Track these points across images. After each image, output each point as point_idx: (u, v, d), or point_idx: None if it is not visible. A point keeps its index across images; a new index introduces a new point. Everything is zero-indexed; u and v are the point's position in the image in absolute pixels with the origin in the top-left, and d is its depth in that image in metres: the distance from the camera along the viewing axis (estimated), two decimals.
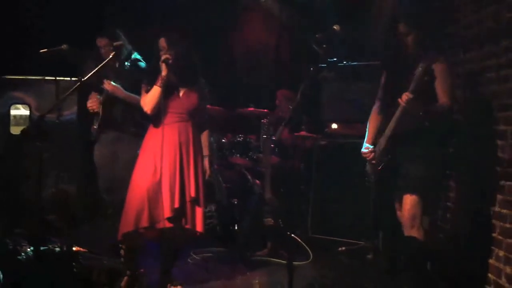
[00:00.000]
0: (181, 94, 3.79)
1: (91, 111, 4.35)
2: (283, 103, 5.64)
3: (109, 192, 4.39)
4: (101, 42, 4.31)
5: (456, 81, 3.97)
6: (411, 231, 3.55)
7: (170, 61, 3.63)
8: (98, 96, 4.30)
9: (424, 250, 3.60)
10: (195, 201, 3.70)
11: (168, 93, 3.73)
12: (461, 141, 4.14)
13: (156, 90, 3.68)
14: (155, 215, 3.60)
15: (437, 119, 3.57)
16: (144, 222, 3.57)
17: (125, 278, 3.80)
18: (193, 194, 3.69)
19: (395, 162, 3.65)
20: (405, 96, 3.39)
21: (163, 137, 3.69)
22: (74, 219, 4.62)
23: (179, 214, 3.65)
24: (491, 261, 3.63)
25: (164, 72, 3.65)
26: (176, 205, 3.61)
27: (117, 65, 4.26)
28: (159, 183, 3.62)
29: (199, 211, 3.74)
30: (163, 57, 3.63)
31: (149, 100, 3.71)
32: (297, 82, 4.03)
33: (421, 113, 3.47)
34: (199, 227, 3.71)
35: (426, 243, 3.55)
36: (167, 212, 3.60)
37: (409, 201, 3.55)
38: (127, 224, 3.59)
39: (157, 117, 3.75)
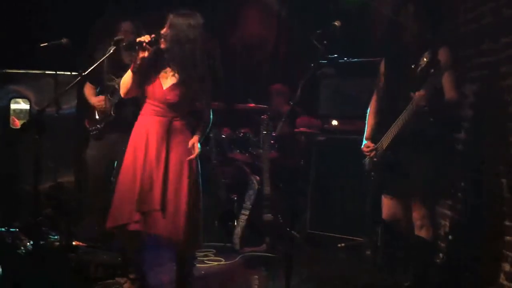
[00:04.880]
0: (166, 85, 3.47)
1: (99, 107, 4.37)
2: (275, 97, 5.67)
3: (95, 192, 4.43)
4: (126, 26, 4.32)
5: (465, 75, 3.94)
6: (421, 232, 3.52)
7: (145, 44, 3.32)
8: (109, 97, 4.35)
9: (430, 248, 3.58)
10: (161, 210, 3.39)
11: (149, 82, 3.47)
12: (468, 138, 4.11)
13: (127, 75, 3.44)
14: (123, 215, 3.43)
15: (444, 115, 3.50)
16: (119, 220, 3.43)
17: (128, 281, 3.67)
18: (157, 206, 3.38)
19: (397, 159, 3.61)
20: (418, 95, 3.27)
21: (139, 130, 3.51)
22: (72, 213, 4.63)
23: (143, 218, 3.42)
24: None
25: (138, 56, 3.36)
26: (135, 213, 3.39)
27: (122, 58, 4.30)
28: (132, 181, 3.43)
29: (180, 220, 3.40)
30: (137, 39, 3.35)
31: (121, 83, 3.50)
32: (296, 78, 4.03)
33: (426, 108, 3.35)
34: (179, 237, 3.40)
35: (434, 243, 3.54)
36: (127, 215, 3.41)
37: (418, 201, 3.52)
38: (110, 218, 3.48)
39: (140, 107, 3.55)
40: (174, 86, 3.46)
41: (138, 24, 4.31)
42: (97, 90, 4.52)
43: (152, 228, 3.44)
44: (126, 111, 4.23)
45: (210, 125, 3.68)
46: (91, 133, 4.45)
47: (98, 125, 4.43)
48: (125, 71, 3.51)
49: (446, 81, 3.38)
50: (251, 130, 5.54)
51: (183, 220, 3.40)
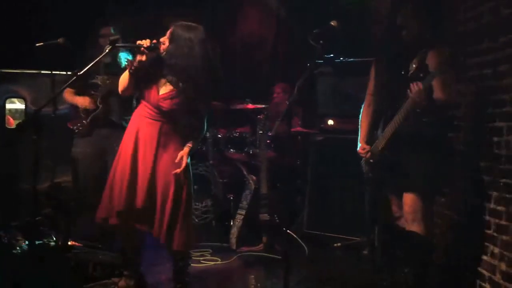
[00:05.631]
0: (162, 92, 3.47)
1: (84, 106, 4.41)
2: (282, 96, 5.65)
3: (89, 190, 4.46)
4: (105, 31, 4.38)
5: (460, 75, 3.95)
6: (412, 226, 3.53)
7: (142, 49, 3.34)
8: (93, 92, 4.44)
9: (425, 244, 3.60)
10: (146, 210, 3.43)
11: (147, 84, 3.48)
12: (458, 137, 4.14)
13: (125, 74, 3.47)
14: (109, 210, 3.49)
15: (436, 115, 3.52)
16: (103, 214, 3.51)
17: (123, 278, 3.69)
18: (139, 204, 3.42)
19: (393, 158, 3.64)
20: (416, 87, 3.27)
21: (131, 129, 3.54)
22: (69, 213, 4.62)
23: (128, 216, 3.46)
24: (486, 257, 3.64)
25: (136, 58, 3.39)
26: (118, 208, 3.42)
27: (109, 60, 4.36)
28: (120, 178, 3.48)
29: (165, 222, 3.42)
30: (137, 42, 3.37)
31: (120, 82, 3.51)
32: (294, 77, 4.03)
33: (418, 110, 3.41)
34: (162, 239, 3.44)
35: (427, 237, 3.56)
36: (113, 210, 3.47)
37: (409, 196, 3.53)
38: (98, 211, 3.54)
39: (136, 106, 3.60)
40: (169, 95, 3.46)
41: (118, 28, 4.33)
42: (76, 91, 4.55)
43: (138, 224, 3.50)
44: (113, 103, 4.39)
45: (204, 133, 3.69)
46: (76, 131, 4.50)
47: (84, 121, 4.46)
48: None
49: (435, 83, 3.38)
50: (250, 129, 5.54)
51: (167, 223, 3.42)
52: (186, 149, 3.50)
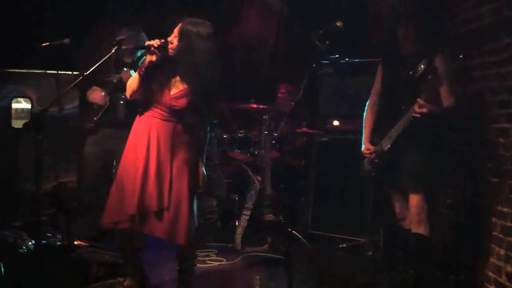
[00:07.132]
0: (173, 92, 3.46)
1: (93, 103, 4.42)
2: (286, 96, 5.64)
3: (92, 190, 4.49)
4: (124, 33, 4.37)
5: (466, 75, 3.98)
6: (419, 228, 3.60)
7: (153, 49, 3.34)
8: (103, 91, 4.45)
9: (431, 246, 3.63)
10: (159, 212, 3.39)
11: (157, 86, 3.45)
12: (461, 138, 4.14)
13: (134, 77, 3.47)
14: (118, 213, 3.43)
15: (440, 118, 3.61)
16: (113, 217, 3.44)
17: (128, 278, 3.67)
18: (161, 206, 3.39)
19: (396, 159, 3.68)
20: (418, 105, 3.40)
21: (141, 130, 3.49)
22: (74, 213, 4.63)
23: (138, 219, 3.41)
24: (491, 259, 3.63)
25: (146, 59, 3.40)
26: (131, 211, 3.37)
27: (121, 59, 4.36)
28: (132, 181, 3.42)
29: (181, 222, 3.41)
30: (146, 43, 3.40)
31: (128, 85, 3.50)
32: (298, 77, 4.04)
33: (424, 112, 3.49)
34: (180, 240, 3.42)
35: (431, 238, 3.59)
36: (123, 213, 3.41)
37: (415, 198, 3.61)
38: (105, 214, 3.48)
39: (143, 108, 3.54)
40: (181, 93, 3.44)
41: (137, 30, 4.33)
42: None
43: (148, 228, 3.44)
44: (118, 99, 4.41)
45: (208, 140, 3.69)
46: (89, 128, 4.51)
47: (94, 118, 4.48)
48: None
49: (443, 88, 3.50)
50: (258, 132, 5.53)
51: (185, 222, 3.41)
52: (201, 166, 3.56)
